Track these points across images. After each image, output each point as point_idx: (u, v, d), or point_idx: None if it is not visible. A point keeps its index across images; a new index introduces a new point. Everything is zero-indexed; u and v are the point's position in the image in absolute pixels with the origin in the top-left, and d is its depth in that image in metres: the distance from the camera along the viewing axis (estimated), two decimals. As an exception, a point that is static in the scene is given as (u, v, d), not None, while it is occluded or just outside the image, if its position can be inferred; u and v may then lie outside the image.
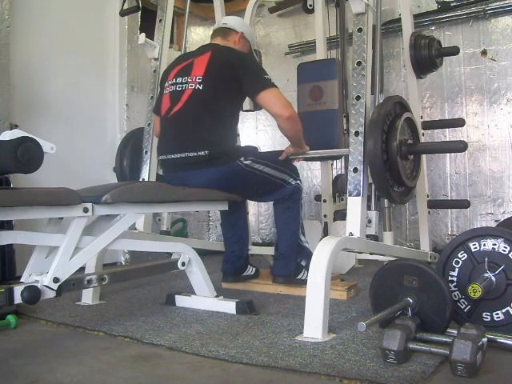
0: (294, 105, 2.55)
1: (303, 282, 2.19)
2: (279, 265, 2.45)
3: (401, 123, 2.15)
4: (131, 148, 2.96)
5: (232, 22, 2.53)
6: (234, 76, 2.23)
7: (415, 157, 2.33)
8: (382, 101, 2.32)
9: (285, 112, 2.23)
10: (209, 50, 2.34)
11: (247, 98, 3.11)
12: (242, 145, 3.20)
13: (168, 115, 2.33)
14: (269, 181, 2.36)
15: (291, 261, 2.42)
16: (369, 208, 2.16)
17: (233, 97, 2.27)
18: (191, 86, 2.26)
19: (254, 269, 2.67)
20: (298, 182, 2.45)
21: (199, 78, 2.25)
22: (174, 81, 2.34)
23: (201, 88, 2.24)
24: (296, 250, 2.43)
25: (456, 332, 1.49)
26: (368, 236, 2.11)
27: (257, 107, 3.22)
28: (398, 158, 2.11)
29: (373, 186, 2.19)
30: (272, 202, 2.54)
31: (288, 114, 2.23)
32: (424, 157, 2.67)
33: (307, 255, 2.39)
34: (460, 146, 2.20)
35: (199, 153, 2.20)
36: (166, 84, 2.39)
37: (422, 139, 2.68)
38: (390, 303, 1.67)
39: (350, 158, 2.15)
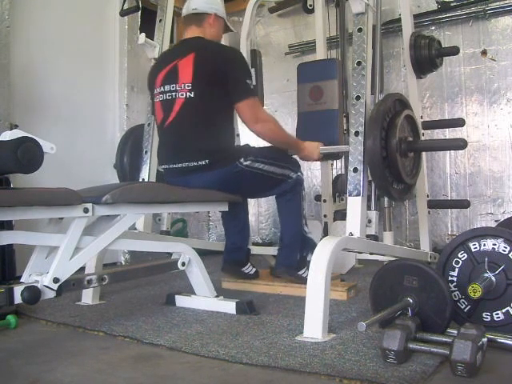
0: (294, 105, 2.56)
1: (303, 280, 2.19)
2: (282, 255, 2.46)
3: (401, 120, 2.14)
4: (131, 145, 2.96)
5: (201, 4, 2.42)
6: (222, 79, 2.22)
7: (415, 154, 2.32)
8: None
9: (254, 126, 2.26)
10: (191, 52, 2.27)
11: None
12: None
13: (163, 126, 2.33)
14: (270, 178, 2.36)
15: (294, 252, 2.43)
16: (369, 208, 2.16)
17: (225, 98, 2.25)
18: (181, 94, 2.24)
19: (254, 269, 2.66)
20: (299, 174, 2.46)
21: (188, 86, 2.23)
22: (162, 89, 2.31)
23: (192, 95, 2.22)
24: (300, 242, 2.44)
25: (456, 332, 1.49)
26: (368, 236, 2.10)
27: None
28: (397, 155, 2.10)
29: (373, 186, 2.19)
30: (273, 198, 2.55)
31: (257, 129, 2.26)
32: (424, 157, 2.66)
33: (312, 247, 2.39)
34: (460, 144, 2.20)
35: (199, 162, 2.22)
36: (155, 91, 2.36)
37: (422, 138, 2.68)
38: (390, 303, 1.67)
39: (350, 157, 2.15)
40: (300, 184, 2.46)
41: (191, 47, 2.32)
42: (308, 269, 2.36)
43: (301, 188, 2.48)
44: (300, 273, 2.43)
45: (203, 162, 2.21)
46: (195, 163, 2.22)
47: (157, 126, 2.45)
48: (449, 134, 3.78)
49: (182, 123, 2.27)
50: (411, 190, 2.38)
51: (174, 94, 2.27)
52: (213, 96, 2.24)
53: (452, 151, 3.80)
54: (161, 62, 2.47)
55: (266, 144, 2.46)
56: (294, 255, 2.43)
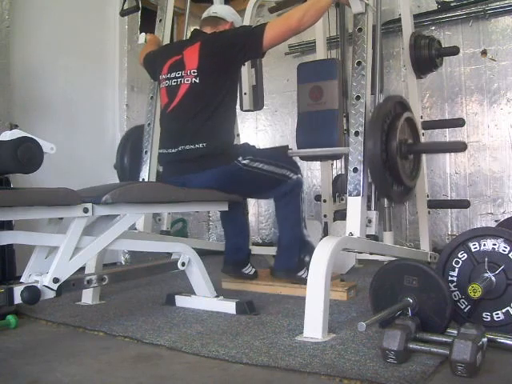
0: (294, 105, 2.56)
1: (303, 281, 2.18)
2: (281, 258, 2.41)
3: (401, 123, 2.14)
4: (131, 145, 2.95)
5: (222, 11, 2.47)
6: (229, 55, 2.22)
7: (415, 156, 2.32)
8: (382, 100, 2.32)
9: (293, 26, 2.14)
10: (198, 41, 2.32)
11: (245, 97, 3.11)
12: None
13: (166, 111, 2.35)
14: (269, 178, 2.34)
15: (293, 254, 2.38)
16: (369, 208, 2.16)
17: (230, 85, 2.26)
18: (187, 80, 2.27)
19: (254, 269, 2.66)
20: (299, 175, 2.42)
21: (194, 72, 2.25)
22: (168, 75, 2.35)
23: (197, 81, 2.24)
24: (298, 244, 2.40)
25: (456, 332, 1.49)
26: (368, 236, 2.10)
27: (257, 107, 3.22)
28: (397, 157, 2.10)
29: (373, 186, 2.19)
30: (272, 200, 2.52)
31: (297, 24, 2.13)
32: (424, 157, 2.66)
33: (311, 250, 2.38)
34: (460, 146, 2.20)
35: (196, 145, 2.20)
36: (161, 77, 2.39)
37: (422, 139, 2.67)
38: (389, 303, 1.67)
39: (350, 157, 2.15)
40: (299, 186, 2.42)
41: (198, 38, 2.37)
42: (307, 270, 2.38)
43: (300, 190, 2.43)
44: (299, 274, 2.41)
45: (200, 145, 2.19)
46: (192, 146, 2.20)
47: (160, 112, 2.46)
48: (449, 133, 3.78)
49: (184, 108, 2.27)
50: (411, 192, 2.37)
51: (179, 80, 2.29)
52: (218, 84, 2.24)
53: (452, 151, 3.80)
54: (169, 50, 2.49)
55: (267, 145, 2.46)
56: (292, 258, 2.39)
